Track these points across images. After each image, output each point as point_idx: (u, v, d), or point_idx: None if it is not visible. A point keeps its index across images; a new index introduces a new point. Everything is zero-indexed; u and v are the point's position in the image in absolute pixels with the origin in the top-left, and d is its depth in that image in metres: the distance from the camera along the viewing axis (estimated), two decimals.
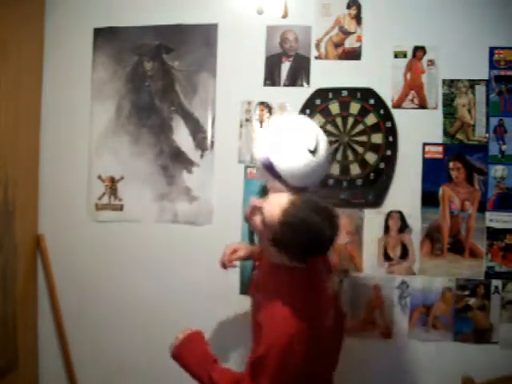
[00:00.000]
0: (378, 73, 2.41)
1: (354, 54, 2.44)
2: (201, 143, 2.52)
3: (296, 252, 1.51)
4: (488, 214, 2.34)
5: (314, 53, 2.46)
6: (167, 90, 2.54)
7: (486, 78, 2.36)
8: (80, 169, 2.59)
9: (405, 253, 2.39)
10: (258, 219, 1.55)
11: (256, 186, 2.46)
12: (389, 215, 2.39)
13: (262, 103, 2.47)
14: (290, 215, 1.45)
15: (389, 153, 2.39)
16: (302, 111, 2.44)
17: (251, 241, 2.45)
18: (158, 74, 2.56)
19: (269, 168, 1.60)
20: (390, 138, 2.39)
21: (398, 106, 2.41)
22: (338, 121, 2.42)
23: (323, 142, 1.66)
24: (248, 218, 1.63)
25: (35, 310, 2.59)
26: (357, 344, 2.39)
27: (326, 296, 1.68)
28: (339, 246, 2.41)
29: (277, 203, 1.50)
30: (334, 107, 2.43)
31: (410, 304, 2.37)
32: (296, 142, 1.60)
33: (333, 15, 2.45)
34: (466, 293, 2.35)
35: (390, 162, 2.39)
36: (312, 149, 1.57)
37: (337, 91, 2.43)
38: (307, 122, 1.77)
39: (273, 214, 1.48)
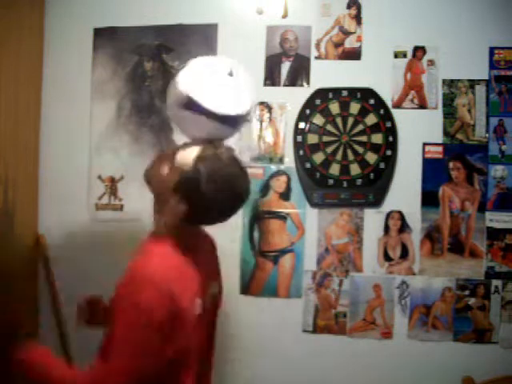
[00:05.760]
0: (378, 73, 2.41)
1: (354, 54, 2.44)
2: None
3: (203, 203, 1.33)
4: (488, 214, 2.34)
5: (314, 53, 2.46)
6: (167, 89, 2.54)
7: (486, 78, 2.36)
8: (80, 169, 2.59)
9: (405, 253, 2.39)
10: (164, 168, 1.37)
11: (256, 186, 2.46)
12: (389, 215, 2.39)
13: (261, 103, 2.47)
14: (206, 159, 1.32)
15: (389, 153, 2.39)
16: (302, 111, 2.44)
17: (251, 240, 2.46)
18: (158, 73, 2.56)
19: (189, 106, 1.41)
20: (390, 138, 2.39)
21: (397, 105, 2.41)
22: (338, 121, 2.43)
23: (243, 71, 1.50)
24: (149, 171, 1.42)
25: (35, 310, 2.58)
26: (357, 344, 2.39)
27: (194, 283, 1.44)
28: (339, 246, 2.42)
29: (191, 149, 1.36)
30: (334, 107, 2.43)
31: (409, 304, 2.37)
32: (213, 70, 1.44)
33: (333, 15, 2.45)
34: (466, 293, 2.35)
35: (389, 161, 2.39)
36: (229, 71, 1.43)
37: (337, 91, 2.43)
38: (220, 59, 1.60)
39: (186, 158, 1.34)
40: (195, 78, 1.40)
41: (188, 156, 1.34)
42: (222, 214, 1.39)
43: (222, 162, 1.33)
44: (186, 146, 1.40)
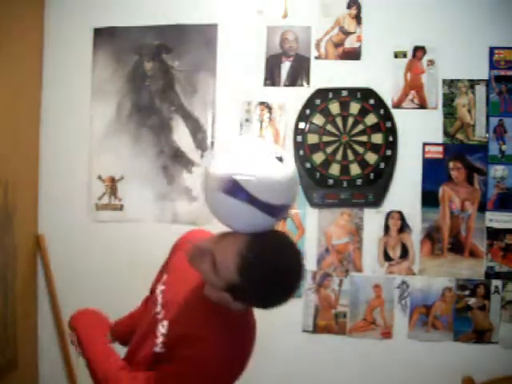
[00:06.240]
0: (378, 73, 2.41)
1: (354, 54, 2.44)
2: (201, 143, 2.52)
3: (259, 299, 1.24)
4: (488, 214, 2.34)
5: (314, 53, 2.46)
6: (167, 89, 2.55)
7: (486, 77, 2.36)
8: (80, 169, 2.59)
9: (405, 253, 2.38)
10: (206, 265, 1.21)
11: None
12: (389, 215, 2.39)
13: (262, 103, 2.47)
14: (250, 257, 1.16)
15: (389, 153, 2.39)
16: (302, 111, 2.44)
17: None
18: (158, 73, 2.56)
19: (232, 190, 1.18)
20: (390, 138, 2.39)
21: (397, 105, 2.41)
22: (338, 121, 2.42)
23: (287, 156, 1.29)
24: (193, 263, 1.26)
25: (35, 310, 2.58)
26: (357, 344, 2.39)
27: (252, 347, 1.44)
28: (339, 246, 2.42)
29: (230, 243, 1.19)
30: (334, 107, 2.43)
31: (410, 304, 2.37)
32: (260, 153, 1.23)
33: (333, 15, 2.45)
34: (466, 293, 2.34)
35: (389, 161, 2.39)
36: (279, 156, 1.22)
37: (337, 91, 2.43)
38: (264, 142, 1.45)
39: (227, 257, 1.18)
40: (241, 162, 1.19)
41: (230, 258, 1.17)
42: (277, 304, 1.29)
43: (266, 262, 1.16)
44: (224, 239, 1.23)
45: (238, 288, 1.19)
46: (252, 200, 1.16)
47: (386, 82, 2.41)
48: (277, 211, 1.20)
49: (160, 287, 1.42)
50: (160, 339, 1.28)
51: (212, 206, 1.23)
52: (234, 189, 1.16)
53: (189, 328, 1.27)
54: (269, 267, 1.16)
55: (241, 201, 1.16)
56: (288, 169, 1.22)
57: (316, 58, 2.46)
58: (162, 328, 1.30)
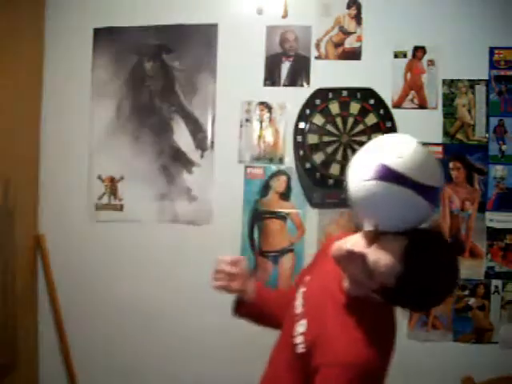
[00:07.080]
0: (378, 73, 2.41)
1: (354, 54, 2.44)
2: (201, 143, 2.52)
3: (416, 304, 1.20)
4: (488, 214, 2.34)
5: (314, 53, 2.46)
6: (167, 90, 2.55)
7: (486, 78, 2.36)
8: (80, 169, 2.59)
9: None
10: (355, 269, 1.20)
11: (256, 186, 2.46)
12: None
13: (261, 103, 2.47)
14: (412, 264, 1.12)
15: None
16: (302, 111, 2.44)
17: (251, 240, 2.46)
18: (158, 74, 2.56)
19: (385, 175, 1.17)
20: None
21: (397, 105, 2.41)
22: (338, 121, 2.43)
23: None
24: (340, 264, 1.25)
25: (35, 310, 2.58)
26: None
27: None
28: None
29: (387, 249, 1.15)
30: (334, 107, 2.43)
31: None
32: (401, 139, 1.32)
33: (333, 15, 2.45)
34: (466, 293, 2.34)
35: None
36: (419, 141, 1.28)
37: (337, 91, 2.43)
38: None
39: (384, 263, 1.14)
40: (385, 149, 1.23)
41: (388, 264, 1.14)
42: (432, 306, 1.26)
43: (428, 268, 1.12)
44: (379, 244, 1.18)
45: (393, 293, 1.15)
46: (404, 180, 1.15)
47: (386, 82, 2.41)
48: (429, 193, 1.18)
49: (301, 289, 1.41)
50: (299, 339, 1.27)
51: (365, 203, 1.27)
52: (386, 172, 1.16)
53: (333, 326, 1.24)
54: (431, 274, 1.12)
55: (394, 184, 1.15)
56: (430, 150, 1.23)
57: (316, 57, 2.46)
58: (301, 327, 1.29)
